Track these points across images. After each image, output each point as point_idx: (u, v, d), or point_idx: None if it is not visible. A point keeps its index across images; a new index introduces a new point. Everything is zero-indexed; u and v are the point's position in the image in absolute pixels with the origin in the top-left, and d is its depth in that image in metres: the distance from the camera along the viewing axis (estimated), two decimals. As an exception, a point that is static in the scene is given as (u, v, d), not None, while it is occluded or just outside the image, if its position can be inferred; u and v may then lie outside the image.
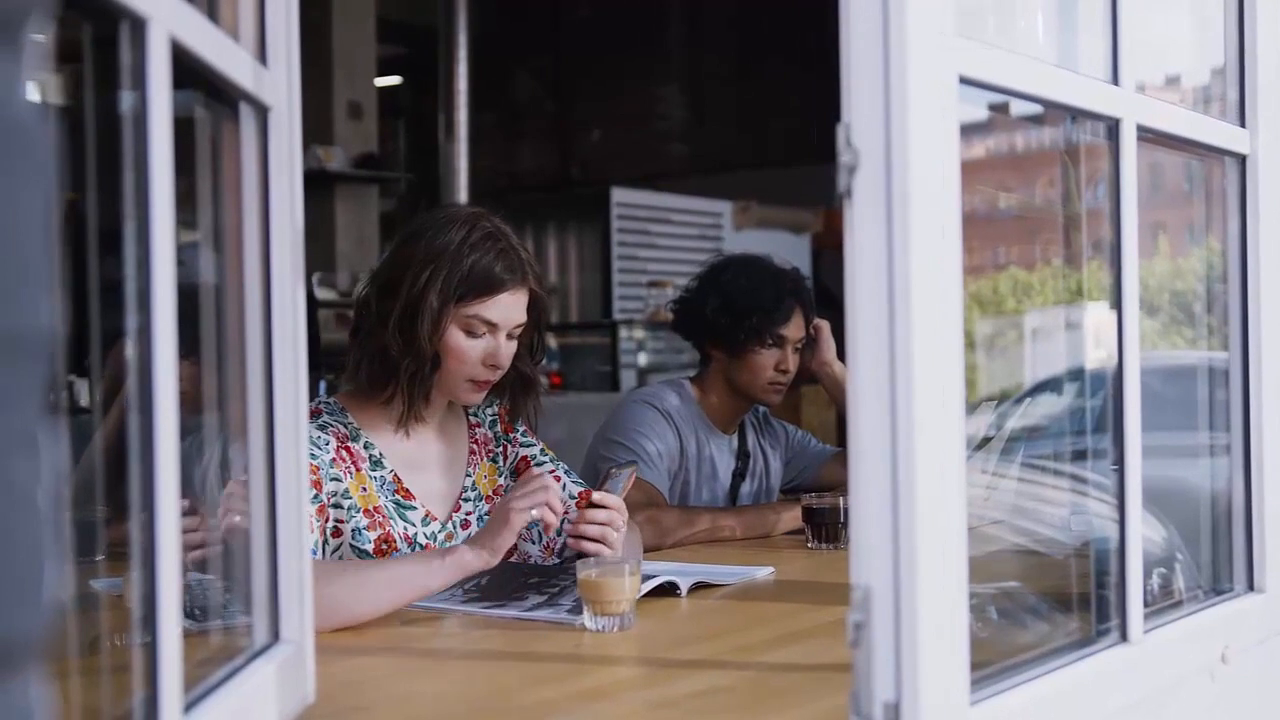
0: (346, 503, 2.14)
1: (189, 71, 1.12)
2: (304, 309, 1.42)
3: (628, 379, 7.38)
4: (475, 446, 2.37)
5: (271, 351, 1.36)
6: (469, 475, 2.34)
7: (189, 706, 1.09)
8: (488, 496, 2.34)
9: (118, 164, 1.03)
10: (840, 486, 2.91)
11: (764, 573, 2.34)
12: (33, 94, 0.57)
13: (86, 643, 1.28)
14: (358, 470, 2.18)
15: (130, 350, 1.02)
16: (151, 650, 1.01)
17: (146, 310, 1.00)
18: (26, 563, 0.55)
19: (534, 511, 1.97)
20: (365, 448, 2.21)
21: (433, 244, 2.17)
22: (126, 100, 1.02)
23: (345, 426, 2.21)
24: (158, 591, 1.00)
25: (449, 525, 2.27)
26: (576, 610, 1.90)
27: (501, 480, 2.37)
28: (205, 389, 1.36)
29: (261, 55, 1.34)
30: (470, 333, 2.19)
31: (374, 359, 2.20)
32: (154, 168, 1.01)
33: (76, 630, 1.23)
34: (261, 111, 1.34)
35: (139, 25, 0.99)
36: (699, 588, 2.17)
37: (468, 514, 2.31)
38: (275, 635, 1.36)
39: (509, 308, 2.21)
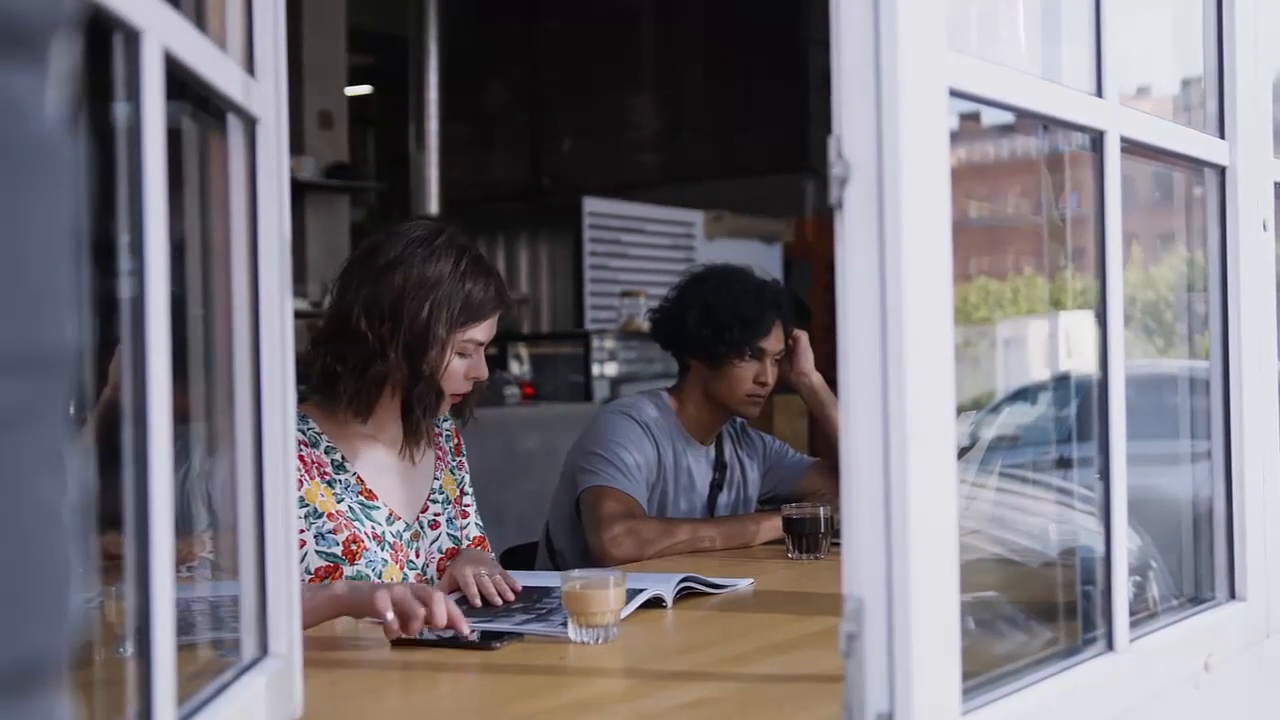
0: (303, 510, 2.18)
1: (178, 82, 1.11)
2: (291, 321, 1.41)
3: (600, 389, 7.37)
4: (440, 453, 2.45)
5: (260, 364, 1.35)
6: (436, 479, 2.41)
7: (181, 722, 1.08)
8: (454, 501, 2.43)
9: (109, 174, 1.02)
10: (818, 496, 2.92)
11: (745, 584, 2.34)
12: (57, 109, 0.57)
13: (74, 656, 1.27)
14: (312, 478, 2.22)
15: (123, 363, 1.01)
16: (145, 665, 1.00)
17: (140, 321, 1.00)
18: (54, 580, 0.54)
19: (389, 615, 1.81)
20: (327, 453, 2.27)
21: (425, 274, 2.23)
22: (119, 111, 1.01)
23: (304, 433, 2.23)
24: (152, 606, 1.00)
25: (415, 525, 2.34)
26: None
27: (458, 490, 2.47)
28: (191, 402, 1.35)
29: (250, 66, 1.34)
30: (462, 354, 2.28)
31: (375, 384, 2.24)
32: (148, 178, 1.00)
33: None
34: (250, 123, 1.33)
35: (133, 37, 0.99)
36: (685, 596, 2.17)
37: (436, 515, 2.39)
38: (264, 649, 1.36)
39: (493, 326, 2.33)
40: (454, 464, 2.48)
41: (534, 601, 2.12)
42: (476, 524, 2.50)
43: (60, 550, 0.55)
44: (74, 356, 0.57)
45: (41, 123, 0.55)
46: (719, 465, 3.14)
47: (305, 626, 1.96)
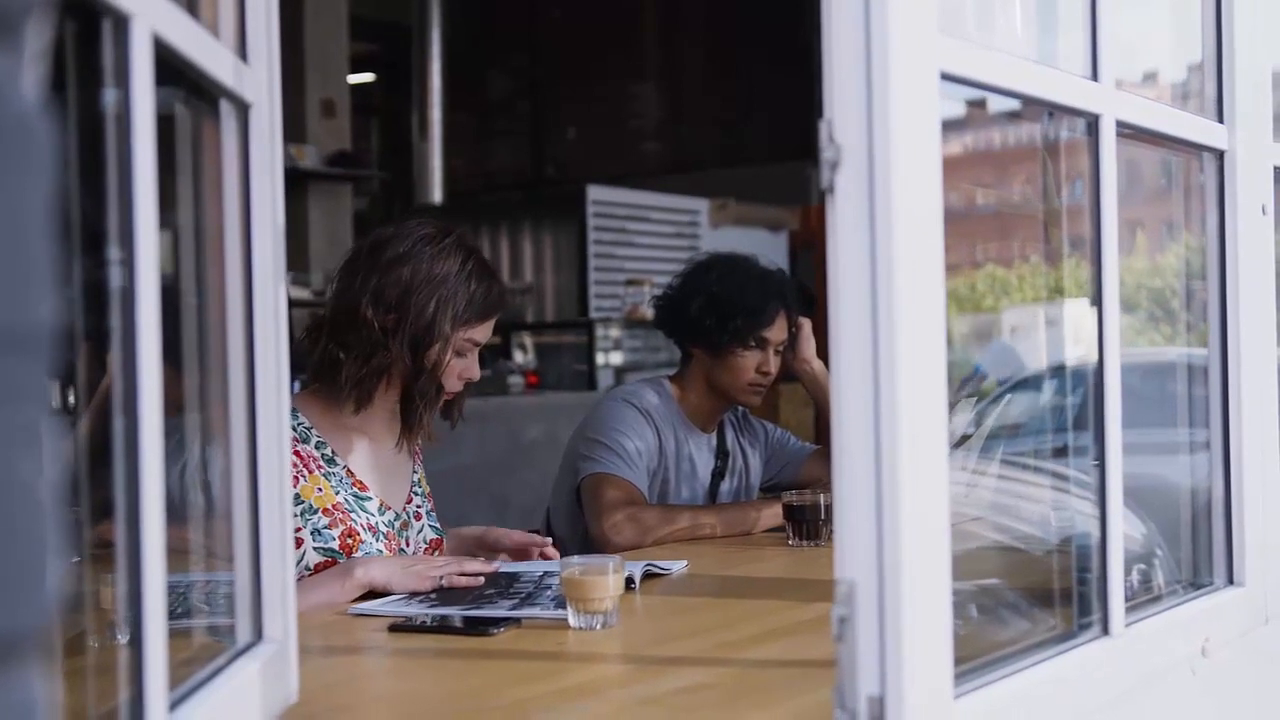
0: (299, 507, 2.20)
1: (169, 68, 1.11)
2: (285, 308, 1.41)
3: (605, 378, 7.37)
4: (417, 450, 2.49)
5: (253, 352, 1.35)
6: (416, 472, 2.47)
7: (173, 705, 1.09)
8: (428, 494, 2.49)
9: (99, 162, 1.02)
10: (820, 484, 2.92)
11: (679, 566, 2.37)
12: (33, 91, 0.57)
13: (65, 643, 1.27)
14: (311, 472, 2.25)
15: (112, 351, 1.01)
16: (137, 650, 1.00)
17: (130, 311, 1.00)
18: (31, 557, 0.55)
19: (443, 581, 2.13)
20: (317, 447, 2.29)
21: (433, 271, 2.27)
22: (108, 97, 1.01)
23: (294, 429, 2.25)
24: (143, 592, 1.00)
25: (404, 515, 2.39)
26: (561, 604, 1.90)
27: (428, 486, 2.52)
28: (185, 390, 1.35)
29: (242, 52, 1.34)
30: (459, 353, 2.32)
31: (376, 374, 2.27)
32: (137, 166, 1.00)
33: (57, 631, 1.22)
34: (242, 109, 1.33)
35: (122, 22, 0.99)
36: (649, 577, 2.23)
37: (418, 507, 2.44)
38: (258, 634, 1.36)
39: (490, 329, 2.37)
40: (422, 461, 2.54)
41: (506, 587, 2.12)
42: (433, 526, 2.51)
43: (37, 528, 0.55)
44: (52, 336, 0.57)
45: (17, 104, 0.56)
46: (721, 453, 3.13)
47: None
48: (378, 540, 2.28)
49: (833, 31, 1.17)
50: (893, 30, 1.16)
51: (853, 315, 1.17)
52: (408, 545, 2.37)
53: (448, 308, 2.26)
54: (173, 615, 1.17)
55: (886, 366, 1.16)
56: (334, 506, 2.25)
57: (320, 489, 2.25)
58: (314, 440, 2.29)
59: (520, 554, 2.43)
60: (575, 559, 1.95)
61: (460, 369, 2.32)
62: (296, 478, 2.21)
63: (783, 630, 1.90)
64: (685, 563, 2.40)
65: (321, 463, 2.28)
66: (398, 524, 2.36)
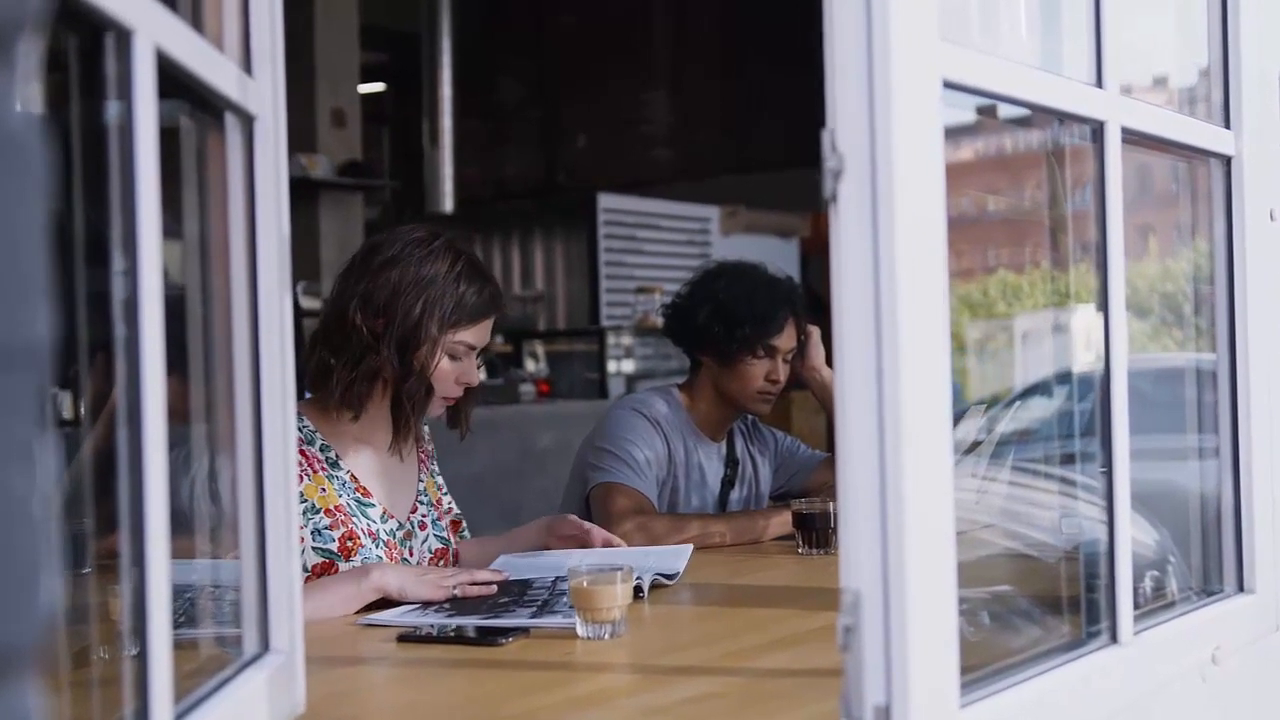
0: (302, 505, 2.21)
1: (173, 81, 1.12)
2: (291, 319, 1.41)
3: (616, 386, 7.37)
4: (423, 457, 2.49)
5: (259, 362, 1.35)
6: (421, 481, 2.46)
7: (179, 717, 1.09)
8: (435, 503, 2.48)
9: (103, 174, 1.03)
10: (829, 491, 2.91)
11: (685, 551, 2.41)
12: (27, 106, 0.57)
13: (73, 655, 1.28)
14: (315, 473, 2.26)
15: (118, 362, 1.01)
16: (142, 661, 1.00)
17: (134, 322, 1.00)
18: (24, 571, 0.55)
19: (456, 591, 2.11)
20: (321, 450, 2.30)
21: (420, 273, 2.27)
22: (111, 110, 1.02)
23: (300, 431, 2.26)
24: (148, 605, 1.00)
25: (407, 524, 2.39)
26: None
27: (438, 492, 2.51)
28: (192, 401, 1.35)
29: (246, 65, 1.34)
30: (453, 356, 2.31)
31: (366, 379, 2.27)
32: (140, 178, 1.01)
33: (65, 642, 1.23)
34: (247, 121, 1.34)
35: (124, 36, 0.99)
36: (656, 587, 2.22)
37: (423, 516, 2.44)
38: (265, 645, 1.36)
39: (487, 331, 2.36)
40: (433, 469, 2.53)
41: (520, 595, 2.12)
42: (438, 535, 2.50)
43: (30, 542, 0.55)
44: (48, 352, 0.58)
45: (10, 119, 0.56)
46: (731, 461, 3.13)
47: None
48: (377, 546, 2.28)
49: (834, 39, 1.18)
50: (894, 38, 1.16)
51: (856, 324, 1.17)
52: (411, 555, 2.36)
53: (435, 309, 2.26)
54: (178, 624, 1.17)
55: (890, 375, 1.16)
56: (336, 508, 2.25)
57: (324, 489, 2.26)
58: (319, 443, 2.30)
59: (581, 543, 2.46)
60: (583, 568, 1.95)
61: (457, 373, 2.32)
62: (300, 476, 2.21)
63: (791, 639, 1.90)
64: (690, 547, 2.42)
65: (325, 465, 2.28)
66: (400, 533, 2.36)
